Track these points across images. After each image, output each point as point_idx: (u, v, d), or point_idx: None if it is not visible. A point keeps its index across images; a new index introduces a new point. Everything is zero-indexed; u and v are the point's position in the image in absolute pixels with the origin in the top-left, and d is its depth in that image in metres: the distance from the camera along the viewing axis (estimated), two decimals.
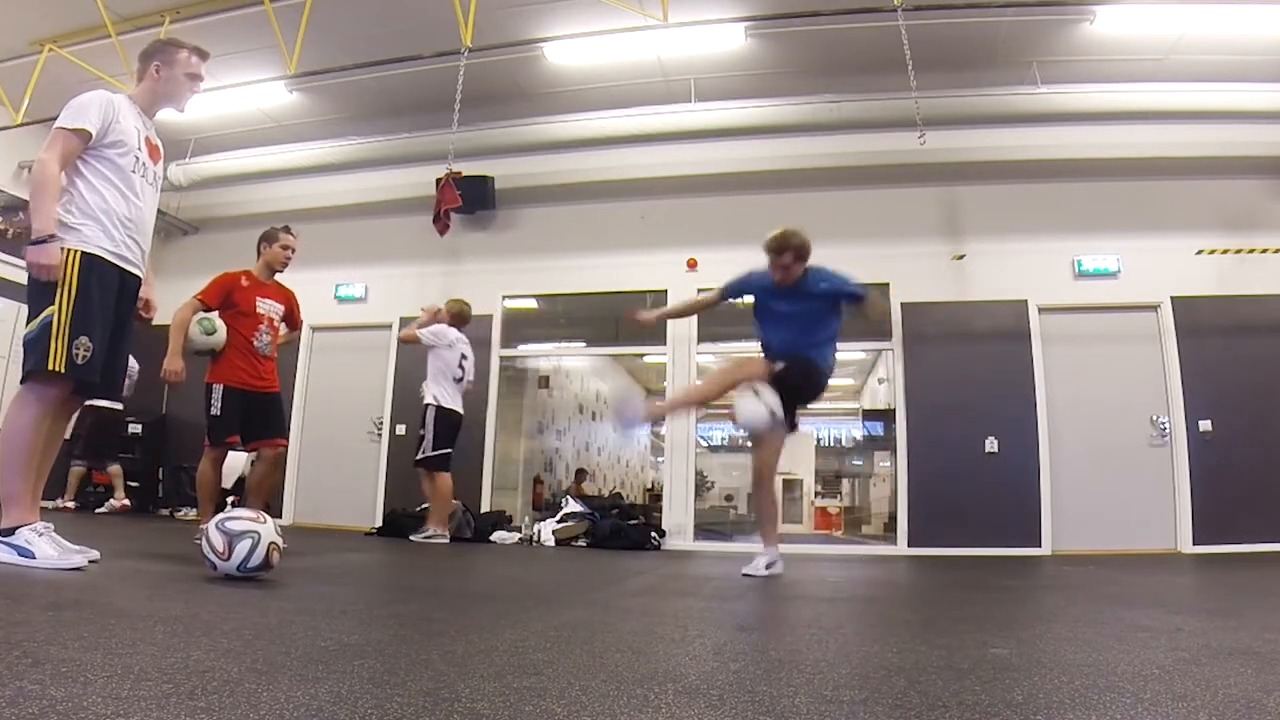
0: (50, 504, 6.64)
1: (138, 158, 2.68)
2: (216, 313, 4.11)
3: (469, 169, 6.80)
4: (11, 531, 2.34)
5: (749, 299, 3.94)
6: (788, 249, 3.64)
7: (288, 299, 4.41)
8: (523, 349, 8.05)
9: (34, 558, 2.30)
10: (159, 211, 8.69)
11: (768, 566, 3.62)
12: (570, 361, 11.08)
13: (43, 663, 1.10)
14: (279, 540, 2.41)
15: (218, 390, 4.09)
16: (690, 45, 5.98)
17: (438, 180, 6.38)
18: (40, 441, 2.50)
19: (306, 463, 7.53)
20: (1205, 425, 5.93)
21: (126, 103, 2.70)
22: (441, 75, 6.10)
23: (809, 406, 3.84)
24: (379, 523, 6.61)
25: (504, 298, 7.46)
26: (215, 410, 4.07)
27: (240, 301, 4.17)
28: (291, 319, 4.43)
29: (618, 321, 8.36)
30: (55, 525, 2.47)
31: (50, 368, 2.42)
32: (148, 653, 1.23)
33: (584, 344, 9.69)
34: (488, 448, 7.10)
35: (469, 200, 6.73)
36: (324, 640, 1.46)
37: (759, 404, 3.49)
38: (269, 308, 4.28)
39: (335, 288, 7.77)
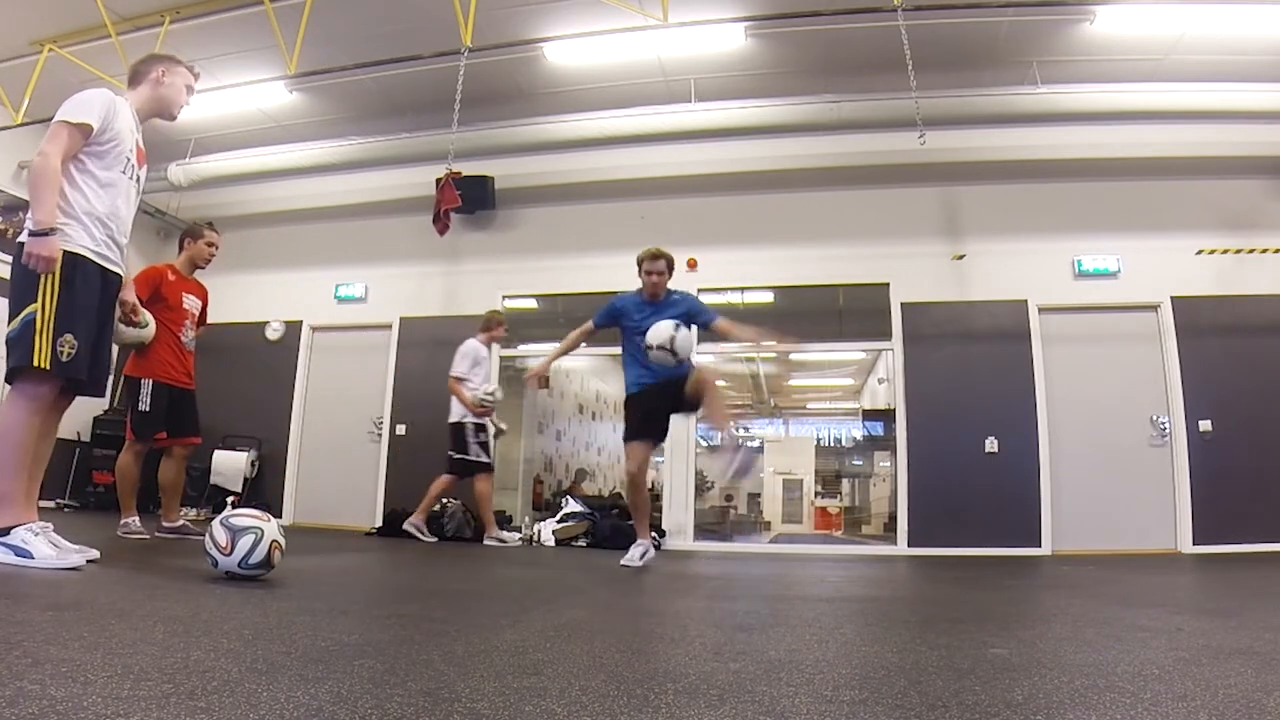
0: (51, 503, 6.63)
1: (128, 159, 2.67)
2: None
3: (469, 169, 6.80)
4: (7, 531, 2.33)
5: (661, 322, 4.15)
6: (662, 257, 4.21)
7: (204, 296, 4.46)
8: (523, 349, 8.04)
9: (32, 557, 2.30)
10: (159, 211, 8.57)
11: (641, 557, 4.01)
12: (570, 361, 11.08)
13: (43, 663, 1.10)
14: (281, 539, 2.41)
15: (147, 385, 4.07)
16: (690, 45, 5.97)
17: (438, 180, 6.38)
18: (32, 440, 2.49)
19: (306, 463, 7.53)
20: (1205, 425, 5.94)
21: (125, 105, 2.70)
22: (441, 75, 6.10)
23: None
24: (379, 523, 6.60)
25: (504, 298, 7.46)
26: (144, 406, 4.06)
27: (168, 295, 4.18)
28: (203, 316, 4.47)
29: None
30: (54, 525, 2.47)
31: (35, 364, 2.42)
32: (148, 653, 1.23)
33: (584, 344, 9.68)
34: None
35: (469, 200, 6.73)
36: (324, 640, 1.46)
37: (667, 325, 3.91)
38: (191, 303, 4.32)
39: (335, 288, 7.78)
